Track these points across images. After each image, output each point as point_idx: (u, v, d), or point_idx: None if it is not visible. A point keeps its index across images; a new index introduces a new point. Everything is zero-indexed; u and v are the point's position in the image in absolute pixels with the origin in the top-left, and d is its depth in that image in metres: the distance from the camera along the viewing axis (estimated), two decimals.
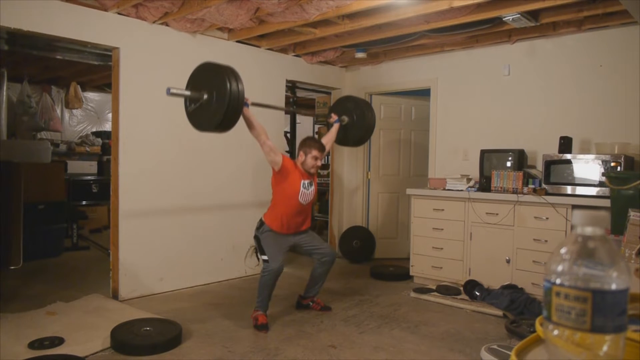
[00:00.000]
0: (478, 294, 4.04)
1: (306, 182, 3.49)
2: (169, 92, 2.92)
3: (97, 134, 7.78)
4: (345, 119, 4.04)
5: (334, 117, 4.03)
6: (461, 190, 4.45)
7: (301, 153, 3.53)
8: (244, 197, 4.86)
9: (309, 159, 3.49)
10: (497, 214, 4.15)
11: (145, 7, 3.82)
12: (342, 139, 4.13)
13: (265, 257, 3.40)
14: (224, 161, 4.71)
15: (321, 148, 3.54)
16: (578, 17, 3.89)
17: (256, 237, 3.49)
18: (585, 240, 0.58)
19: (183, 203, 4.38)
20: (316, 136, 7.39)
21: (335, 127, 3.99)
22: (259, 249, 3.46)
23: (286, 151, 7.24)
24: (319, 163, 3.54)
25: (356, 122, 4.05)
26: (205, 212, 4.56)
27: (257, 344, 3.10)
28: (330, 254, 3.66)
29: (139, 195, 4.09)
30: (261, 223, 3.50)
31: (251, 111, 3.21)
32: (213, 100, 2.97)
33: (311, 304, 3.80)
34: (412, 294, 4.27)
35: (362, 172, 5.95)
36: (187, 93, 3.05)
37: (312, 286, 3.78)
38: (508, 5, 3.60)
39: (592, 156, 3.84)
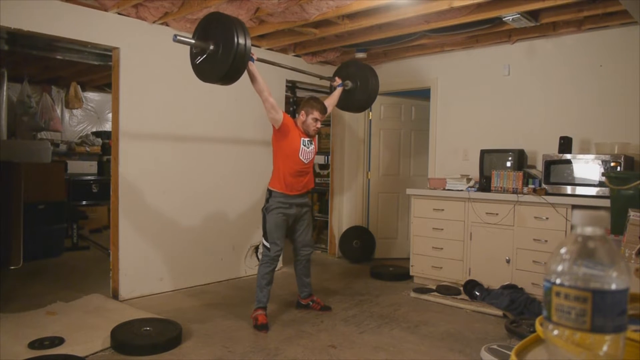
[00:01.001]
0: (478, 294, 4.04)
1: (306, 140, 3.51)
2: (175, 39, 2.90)
3: (97, 134, 7.78)
4: (349, 83, 4.05)
5: (338, 80, 4.02)
6: (461, 190, 4.45)
7: (302, 112, 3.53)
8: (244, 197, 4.86)
9: (310, 119, 3.50)
10: (497, 214, 4.15)
11: (145, 7, 3.82)
12: (345, 104, 4.14)
13: (266, 243, 3.45)
14: (224, 161, 4.71)
15: (323, 110, 3.54)
16: (578, 17, 3.89)
17: (263, 213, 3.52)
18: (585, 240, 0.58)
19: (183, 203, 4.38)
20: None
21: (338, 91, 3.99)
22: (262, 227, 3.50)
23: None
24: (319, 125, 3.55)
25: (359, 87, 4.05)
26: (205, 212, 4.56)
27: (257, 344, 3.11)
28: (308, 247, 3.73)
29: (139, 195, 4.09)
30: (269, 193, 3.51)
31: (255, 66, 3.20)
32: (219, 52, 2.95)
33: (311, 303, 3.81)
34: (412, 294, 4.27)
35: (362, 172, 5.95)
36: (193, 42, 3.03)
37: (301, 284, 3.82)
38: (508, 5, 3.60)
39: (592, 156, 3.84)
